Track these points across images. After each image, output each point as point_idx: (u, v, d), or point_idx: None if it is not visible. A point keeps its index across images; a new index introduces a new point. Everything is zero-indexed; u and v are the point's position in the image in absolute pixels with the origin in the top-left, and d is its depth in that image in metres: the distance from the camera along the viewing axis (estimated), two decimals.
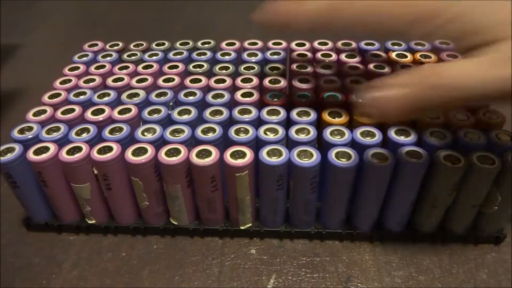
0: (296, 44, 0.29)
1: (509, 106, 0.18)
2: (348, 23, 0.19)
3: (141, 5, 0.52)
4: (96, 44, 0.30)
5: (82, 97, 0.25)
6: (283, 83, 0.25)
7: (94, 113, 0.23)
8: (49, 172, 0.22)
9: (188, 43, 0.30)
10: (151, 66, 0.27)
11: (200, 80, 0.26)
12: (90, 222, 0.24)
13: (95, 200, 0.23)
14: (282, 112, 0.23)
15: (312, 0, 0.19)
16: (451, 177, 0.20)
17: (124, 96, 0.25)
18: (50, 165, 0.21)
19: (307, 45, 0.29)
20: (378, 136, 0.21)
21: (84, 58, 0.29)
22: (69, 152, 0.21)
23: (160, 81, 0.26)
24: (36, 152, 0.21)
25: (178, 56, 0.29)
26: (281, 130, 0.22)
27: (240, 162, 0.20)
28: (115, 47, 0.30)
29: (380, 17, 0.18)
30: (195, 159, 0.21)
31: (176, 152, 0.21)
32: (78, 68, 0.28)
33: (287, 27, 0.20)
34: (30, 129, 0.22)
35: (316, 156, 0.21)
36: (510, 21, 0.17)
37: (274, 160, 0.20)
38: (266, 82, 0.25)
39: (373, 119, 0.22)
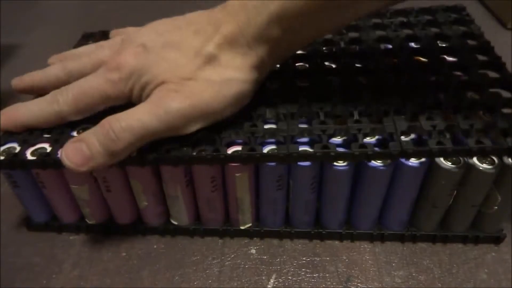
0: None
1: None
2: (72, 108, 0.21)
3: (142, 5, 0.52)
4: None
5: None
6: None
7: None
8: (47, 174, 0.22)
9: None
10: None
11: None
12: (90, 222, 0.24)
13: (94, 200, 0.23)
14: None
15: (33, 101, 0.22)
16: (451, 178, 0.20)
17: None
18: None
19: None
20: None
21: None
22: None
23: None
24: (34, 153, 0.21)
25: None
26: None
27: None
28: None
29: (90, 93, 0.21)
30: None
31: None
32: None
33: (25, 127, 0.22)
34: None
35: None
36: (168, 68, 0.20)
37: None
38: None
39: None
